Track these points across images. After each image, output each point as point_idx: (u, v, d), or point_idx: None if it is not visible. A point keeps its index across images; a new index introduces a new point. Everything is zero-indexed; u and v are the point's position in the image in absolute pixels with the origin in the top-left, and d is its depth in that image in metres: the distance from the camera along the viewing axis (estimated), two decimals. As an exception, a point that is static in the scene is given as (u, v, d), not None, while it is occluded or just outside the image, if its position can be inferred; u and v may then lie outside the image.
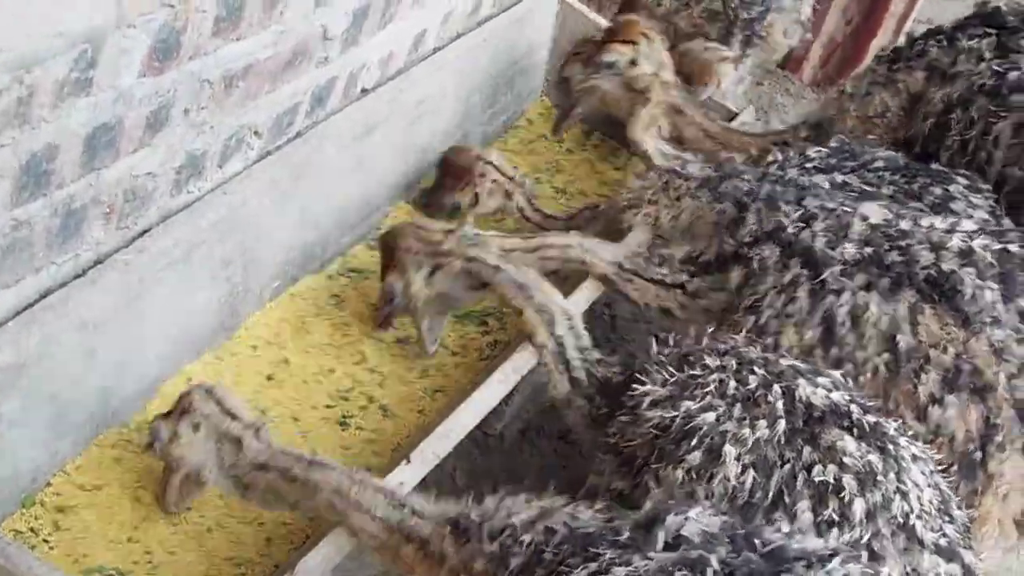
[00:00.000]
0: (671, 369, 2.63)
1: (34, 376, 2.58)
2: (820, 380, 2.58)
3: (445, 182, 3.75)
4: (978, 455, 2.76)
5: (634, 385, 2.65)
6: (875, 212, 2.99)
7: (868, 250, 2.89)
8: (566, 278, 3.36)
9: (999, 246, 2.90)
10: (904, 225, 2.94)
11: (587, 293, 3.33)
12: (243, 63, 2.79)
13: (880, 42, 5.61)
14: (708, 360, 2.63)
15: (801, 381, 2.54)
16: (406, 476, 2.69)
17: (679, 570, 1.99)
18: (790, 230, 2.99)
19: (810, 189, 3.17)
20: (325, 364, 3.31)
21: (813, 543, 2.13)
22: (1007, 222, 3.22)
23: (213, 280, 3.09)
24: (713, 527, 2.08)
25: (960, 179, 3.29)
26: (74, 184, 2.49)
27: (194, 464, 2.67)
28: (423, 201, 3.82)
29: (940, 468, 2.59)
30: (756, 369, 2.57)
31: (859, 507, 2.36)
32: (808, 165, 3.36)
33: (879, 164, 3.35)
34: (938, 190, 3.25)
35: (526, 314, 3.02)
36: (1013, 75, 3.38)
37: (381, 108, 3.53)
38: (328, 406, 3.23)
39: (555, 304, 3.02)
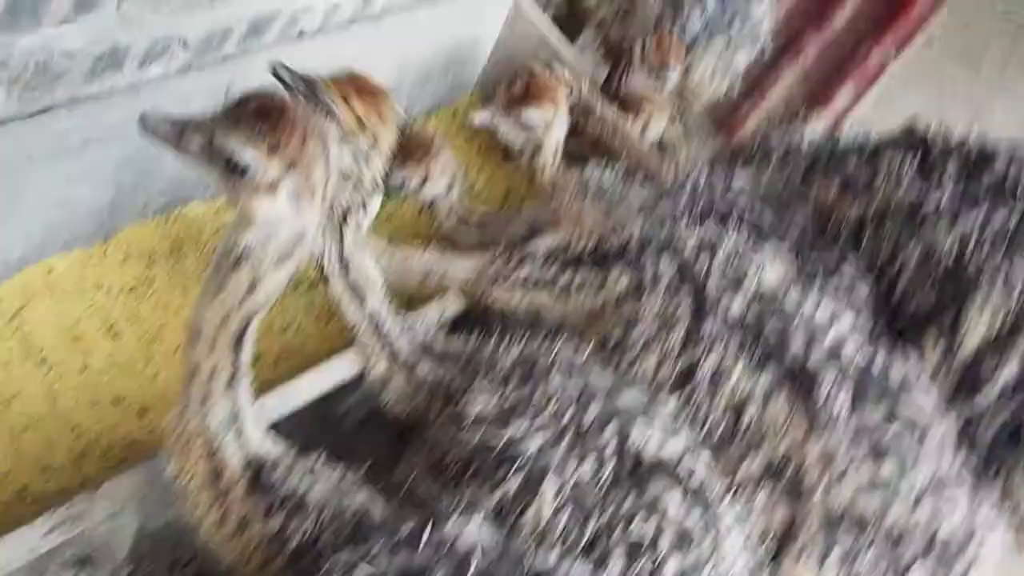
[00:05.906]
0: (513, 382, 2.52)
1: None
2: (656, 423, 2.49)
3: None
4: (771, 555, 2.71)
5: (466, 397, 2.54)
6: (774, 273, 2.88)
7: (754, 309, 2.81)
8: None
9: (870, 349, 2.84)
10: (793, 295, 2.86)
11: (441, 306, 3.17)
12: (190, -32, 2.69)
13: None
14: (557, 377, 2.52)
15: (639, 423, 2.46)
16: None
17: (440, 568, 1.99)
18: (689, 248, 2.88)
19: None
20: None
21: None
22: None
23: (102, 179, 2.98)
24: (486, 539, 2.07)
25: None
26: (-14, 41, 2.37)
27: None
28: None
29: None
30: (598, 399, 2.48)
31: (672, 567, 2.31)
32: None
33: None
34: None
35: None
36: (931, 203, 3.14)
37: (315, 55, 3.44)
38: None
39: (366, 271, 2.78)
